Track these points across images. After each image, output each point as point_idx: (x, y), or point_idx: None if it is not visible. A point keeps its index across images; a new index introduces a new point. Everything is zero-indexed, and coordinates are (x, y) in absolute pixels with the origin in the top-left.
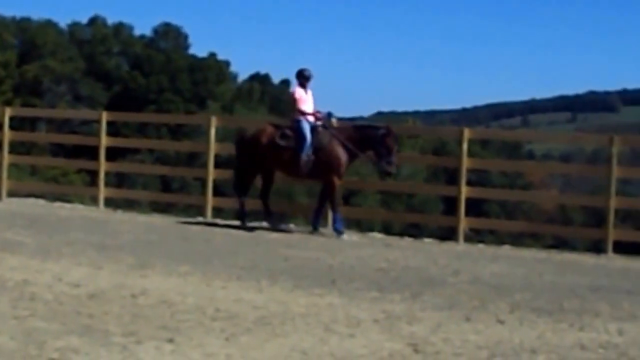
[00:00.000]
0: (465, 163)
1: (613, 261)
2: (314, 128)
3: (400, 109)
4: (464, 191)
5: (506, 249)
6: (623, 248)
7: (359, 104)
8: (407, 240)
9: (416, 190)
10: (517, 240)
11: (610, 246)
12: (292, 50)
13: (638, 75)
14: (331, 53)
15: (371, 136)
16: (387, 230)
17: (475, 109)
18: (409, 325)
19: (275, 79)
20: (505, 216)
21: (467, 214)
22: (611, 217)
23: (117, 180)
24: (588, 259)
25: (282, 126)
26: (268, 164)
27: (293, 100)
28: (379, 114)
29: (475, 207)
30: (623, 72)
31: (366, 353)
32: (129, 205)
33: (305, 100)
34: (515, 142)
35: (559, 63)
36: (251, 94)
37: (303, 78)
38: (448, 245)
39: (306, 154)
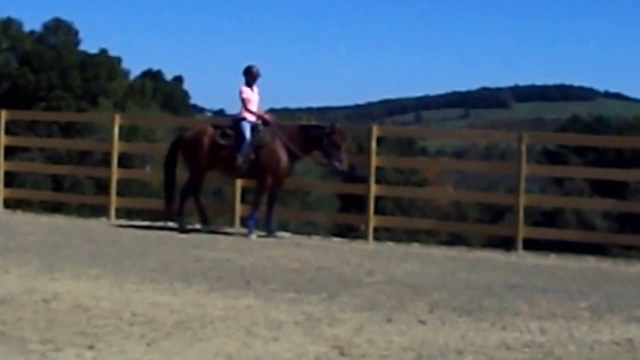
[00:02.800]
0: (374, 161)
1: (524, 258)
2: (254, 127)
3: (293, 105)
4: (373, 189)
5: (416, 247)
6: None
7: None
8: (316, 239)
9: (312, 188)
10: (412, 236)
11: (520, 243)
12: (185, 47)
13: (529, 72)
14: (223, 49)
15: (316, 136)
16: (283, 228)
17: (369, 105)
18: (331, 327)
19: (168, 76)
20: (400, 213)
21: (367, 211)
22: (521, 215)
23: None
24: (499, 257)
25: (223, 126)
26: (208, 164)
27: (241, 100)
28: (271, 110)
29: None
30: (515, 69)
31: (292, 357)
32: (17, 205)
33: (252, 100)
34: (409, 138)
35: (451, 60)
36: (143, 90)
37: (250, 76)
38: (358, 244)
39: (244, 154)
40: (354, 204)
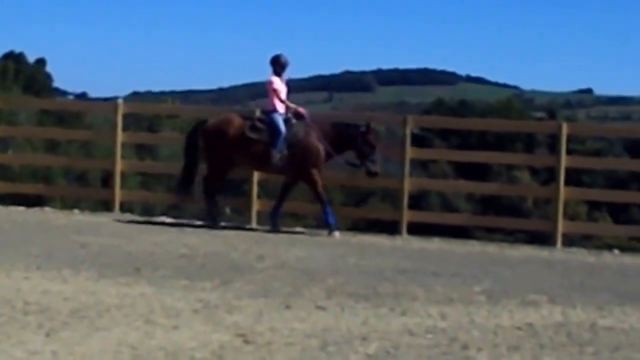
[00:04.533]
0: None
1: (409, 243)
2: (287, 120)
3: (156, 88)
4: (256, 173)
5: (299, 231)
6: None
7: (114, 84)
8: (199, 224)
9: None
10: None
11: (404, 228)
12: (47, 29)
13: (392, 56)
14: (86, 31)
15: (351, 136)
16: (148, 212)
17: (233, 88)
18: (230, 314)
19: (30, 58)
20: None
21: (250, 196)
22: (405, 199)
23: None
24: (384, 241)
25: (251, 117)
26: (233, 159)
27: (272, 91)
28: (135, 94)
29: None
30: (378, 53)
31: (196, 346)
32: None
33: (282, 91)
34: None
35: (315, 43)
36: (5, 73)
37: (279, 65)
38: (242, 230)
39: (279, 150)
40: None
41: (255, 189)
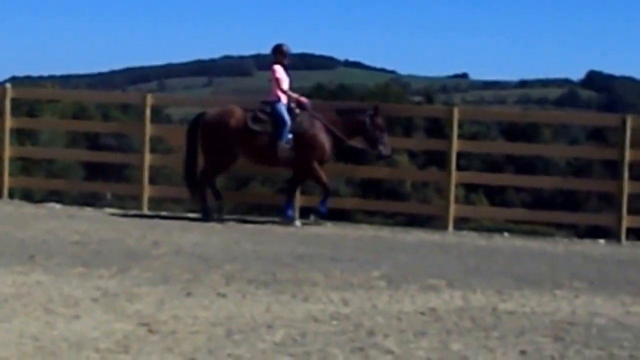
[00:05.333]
0: (149, 130)
1: (303, 227)
2: (290, 111)
3: (35, 73)
4: (148, 159)
5: (192, 216)
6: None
7: None
8: (88, 211)
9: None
10: (159, 205)
11: (297, 213)
12: None
13: (272, 41)
14: None
15: (359, 121)
16: (27, 197)
17: (112, 73)
18: (131, 302)
19: None
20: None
21: (142, 182)
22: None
23: None
24: (278, 226)
25: (252, 108)
26: (234, 152)
27: (275, 80)
28: (14, 78)
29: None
30: (257, 38)
31: (100, 336)
32: None
33: (285, 80)
34: (158, 106)
35: (194, 28)
36: None
37: (281, 54)
38: (134, 215)
39: (286, 141)
40: (100, 172)
41: (146, 175)
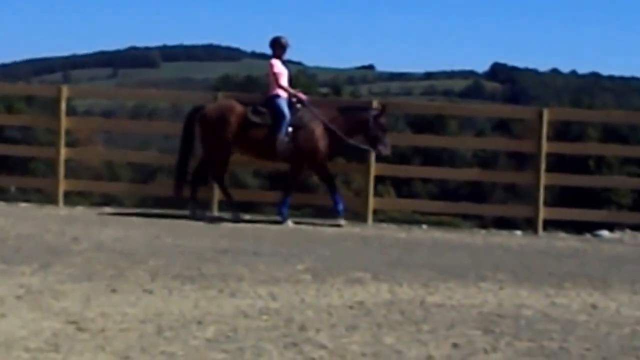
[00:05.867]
0: (64, 123)
1: (220, 221)
2: (290, 105)
3: None
4: (63, 152)
5: (109, 211)
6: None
7: None
8: (1, 205)
9: None
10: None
11: (216, 205)
12: None
13: (177, 32)
14: None
15: (361, 119)
16: None
17: (15, 64)
18: (56, 300)
19: None
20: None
21: (57, 175)
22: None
23: None
24: (191, 220)
25: (253, 103)
26: (234, 146)
27: (273, 74)
28: None
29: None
30: (162, 29)
31: (28, 335)
32: None
33: (284, 74)
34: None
35: (98, 18)
36: None
37: (280, 48)
38: (49, 209)
39: (284, 134)
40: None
41: (62, 169)
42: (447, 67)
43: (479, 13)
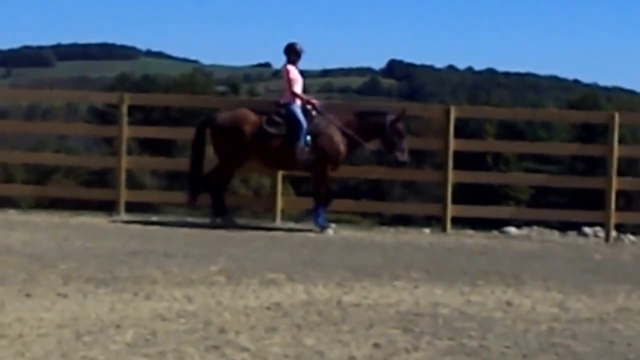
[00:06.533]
0: None
1: (126, 223)
2: (306, 112)
3: None
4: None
5: (14, 214)
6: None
7: None
8: None
9: None
10: None
11: (122, 207)
12: None
13: (72, 31)
14: None
15: (379, 124)
16: None
17: None
18: None
19: None
20: None
21: None
22: (123, 178)
23: None
24: (104, 222)
25: (266, 111)
26: (248, 156)
27: (288, 81)
28: None
29: None
30: (57, 28)
31: None
32: None
33: (299, 81)
34: None
35: None
36: None
37: (294, 54)
38: None
39: (303, 143)
40: None
41: None
42: (343, 65)
43: (375, 9)
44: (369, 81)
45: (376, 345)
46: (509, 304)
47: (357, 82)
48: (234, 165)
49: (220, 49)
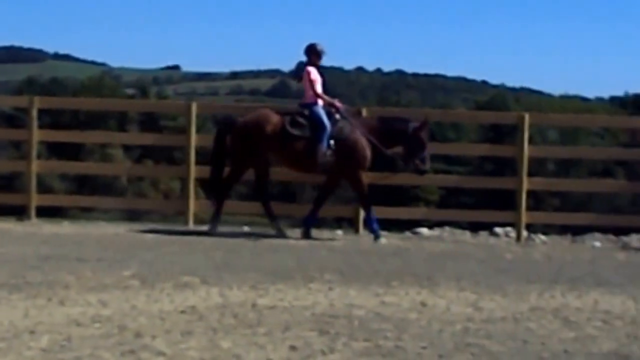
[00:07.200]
0: None
1: (40, 227)
2: (329, 114)
3: None
4: None
5: None
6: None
7: None
8: None
9: None
10: None
11: (33, 212)
12: None
13: None
14: None
15: (401, 131)
16: None
17: None
18: None
19: None
20: None
21: None
22: (33, 182)
23: None
24: (14, 226)
25: (289, 112)
26: (273, 159)
27: (309, 82)
28: None
29: None
30: None
31: None
32: None
33: (319, 82)
34: None
35: None
36: None
37: (315, 55)
38: None
39: (326, 146)
40: None
41: None
42: (253, 67)
43: (284, 10)
44: (279, 83)
45: (292, 348)
46: (423, 304)
47: (266, 84)
48: (256, 167)
49: (128, 51)
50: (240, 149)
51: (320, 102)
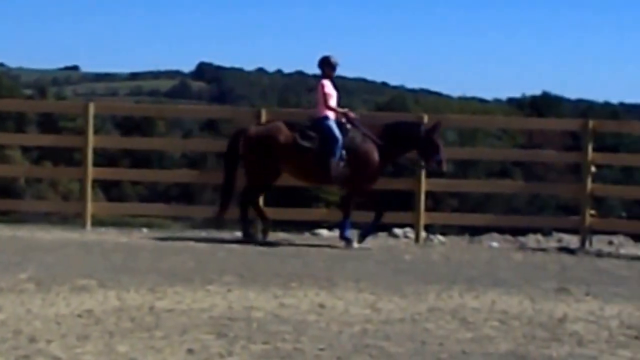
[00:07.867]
0: None
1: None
2: (341, 126)
3: None
4: None
5: None
6: None
7: None
8: None
9: None
10: None
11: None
12: None
13: None
14: None
15: (412, 135)
16: None
17: None
18: None
19: None
20: None
21: None
22: None
23: None
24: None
25: (299, 124)
26: (283, 170)
27: (322, 95)
28: None
29: None
30: None
31: None
32: None
33: (333, 95)
34: None
35: None
36: None
37: (329, 67)
38: None
39: (338, 158)
40: None
41: None
42: (152, 67)
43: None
44: (179, 84)
45: (190, 351)
46: (322, 306)
47: (166, 85)
48: (265, 179)
49: (26, 51)
50: (251, 159)
51: (331, 115)
